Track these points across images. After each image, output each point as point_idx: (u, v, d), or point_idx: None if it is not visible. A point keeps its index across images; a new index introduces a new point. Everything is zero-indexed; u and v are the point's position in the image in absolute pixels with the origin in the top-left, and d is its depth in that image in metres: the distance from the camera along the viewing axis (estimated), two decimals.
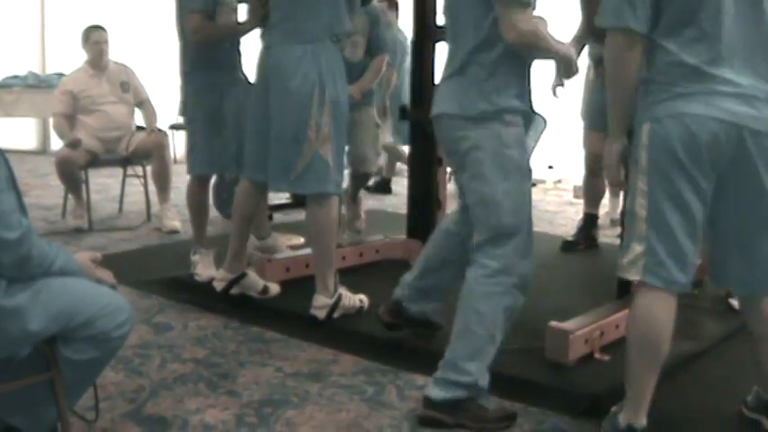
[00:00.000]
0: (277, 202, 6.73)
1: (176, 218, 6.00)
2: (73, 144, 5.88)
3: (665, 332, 2.56)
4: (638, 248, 2.56)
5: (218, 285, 4.11)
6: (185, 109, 4.56)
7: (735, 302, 4.06)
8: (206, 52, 4.33)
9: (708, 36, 2.46)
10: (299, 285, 4.20)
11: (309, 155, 3.69)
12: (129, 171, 6.50)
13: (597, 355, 3.33)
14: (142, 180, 6.34)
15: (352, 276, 4.39)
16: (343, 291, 3.90)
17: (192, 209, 4.69)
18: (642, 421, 2.59)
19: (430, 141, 4.70)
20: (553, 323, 3.34)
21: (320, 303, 3.82)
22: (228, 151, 4.46)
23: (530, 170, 2.96)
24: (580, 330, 3.28)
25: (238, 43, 4.49)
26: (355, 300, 3.97)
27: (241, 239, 4.12)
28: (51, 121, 6.65)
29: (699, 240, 2.56)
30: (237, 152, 4.33)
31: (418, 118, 4.69)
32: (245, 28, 4.23)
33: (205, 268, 4.49)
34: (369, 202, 7.53)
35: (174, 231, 5.88)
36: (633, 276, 2.61)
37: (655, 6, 2.48)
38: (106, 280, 2.49)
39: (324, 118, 3.69)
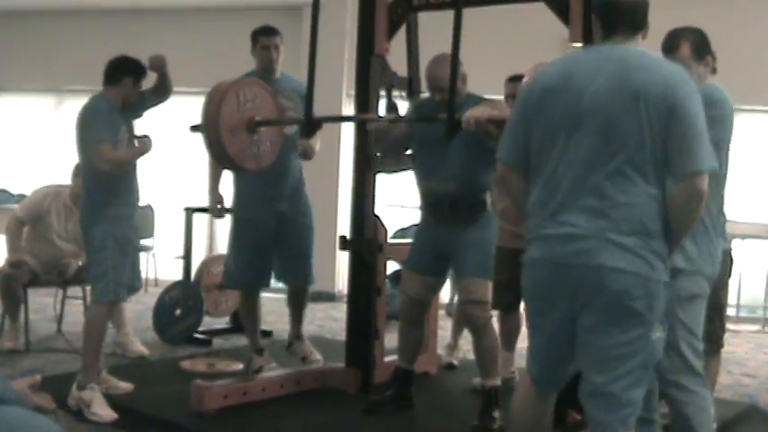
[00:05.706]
0: (217, 326, 6.74)
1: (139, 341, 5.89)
2: (17, 264, 5.81)
3: (523, 417, 2.92)
4: None
5: None
6: None
7: None
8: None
9: (541, 177, 2.72)
10: (238, 412, 4.19)
11: None
12: (69, 292, 6.33)
13: None
14: (82, 301, 6.21)
15: (288, 404, 4.39)
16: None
17: None
18: None
19: (370, 270, 4.81)
20: None
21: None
22: None
23: None
24: None
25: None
26: None
27: None
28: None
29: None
30: None
31: (358, 247, 4.80)
32: None
33: None
34: (310, 327, 7.54)
35: (142, 356, 5.73)
36: None
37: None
38: (45, 406, 2.47)
39: None
